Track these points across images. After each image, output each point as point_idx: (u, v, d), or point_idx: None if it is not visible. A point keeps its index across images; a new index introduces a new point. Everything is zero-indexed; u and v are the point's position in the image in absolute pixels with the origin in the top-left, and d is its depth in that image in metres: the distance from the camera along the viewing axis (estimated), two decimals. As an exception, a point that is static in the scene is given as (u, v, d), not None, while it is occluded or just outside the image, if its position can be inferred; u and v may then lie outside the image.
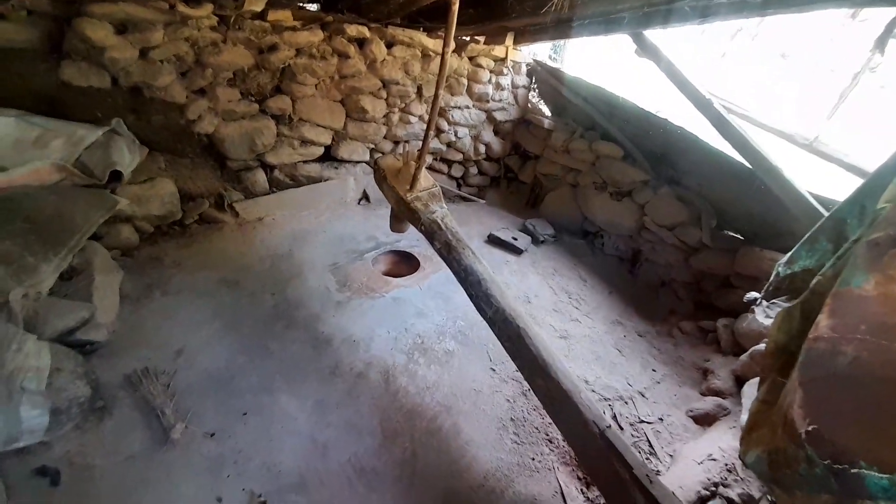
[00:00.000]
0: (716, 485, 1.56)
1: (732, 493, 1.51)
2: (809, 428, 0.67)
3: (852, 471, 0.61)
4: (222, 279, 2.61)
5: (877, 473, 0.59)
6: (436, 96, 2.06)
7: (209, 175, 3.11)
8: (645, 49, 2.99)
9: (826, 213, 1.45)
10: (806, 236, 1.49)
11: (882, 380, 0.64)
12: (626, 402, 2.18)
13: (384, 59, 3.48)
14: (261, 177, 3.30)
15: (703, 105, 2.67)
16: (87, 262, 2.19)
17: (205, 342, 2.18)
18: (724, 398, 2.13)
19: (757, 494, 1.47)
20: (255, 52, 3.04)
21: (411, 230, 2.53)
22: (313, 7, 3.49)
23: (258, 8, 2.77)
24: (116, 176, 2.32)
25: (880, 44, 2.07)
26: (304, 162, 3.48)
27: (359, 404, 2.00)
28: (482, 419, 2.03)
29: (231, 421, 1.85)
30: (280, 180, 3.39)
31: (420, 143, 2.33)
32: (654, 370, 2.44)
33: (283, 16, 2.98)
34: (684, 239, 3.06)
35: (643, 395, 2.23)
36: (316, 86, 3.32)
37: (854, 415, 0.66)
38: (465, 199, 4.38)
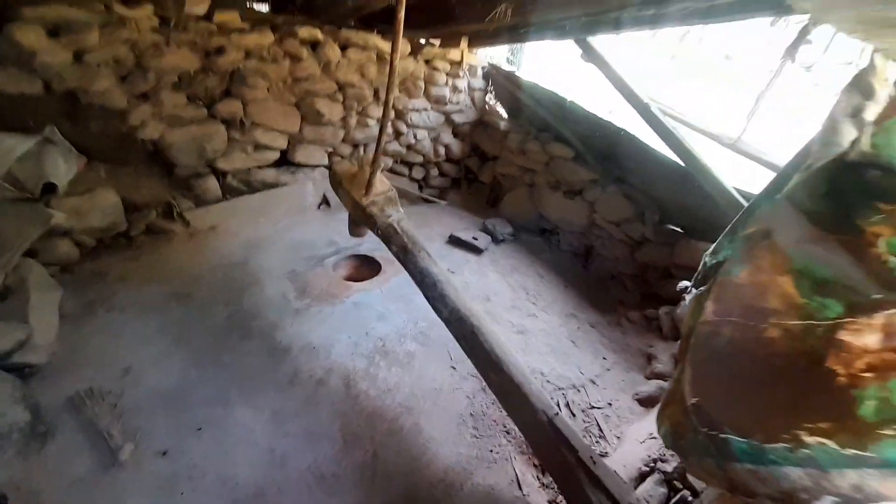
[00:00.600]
0: (655, 461, 1.70)
1: (669, 468, 1.65)
2: (693, 401, 0.78)
3: (721, 436, 0.71)
4: (172, 292, 2.52)
5: (738, 438, 0.69)
6: (387, 101, 2.08)
7: (155, 183, 2.99)
8: (589, 55, 3.15)
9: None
10: (727, 228, 1.65)
11: (747, 356, 0.75)
12: (578, 390, 2.31)
13: (339, 62, 3.46)
14: (212, 184, 3.20)
15: (642, 108, 2.85)
16: (21, 280, 2.07)
17: (153, 359, 2.11)
18: (665, 381, 2.30)
19: (689, 467, 1.62)
20: (202, 55, 2.95)
21: (372, 234, 2.55)
22: (263, 8, 3.43)
23: (201, 12, 2.70)
24: (51, 188, 2.19)
25: (791, 51, 2.30)
26: (259, 167, 3.41)
27: (318, 411, 2.01)
28: (442, 417, 2.09)
29: (184, 437, 1.81)
30: (234, 187, 3.30)
31: (381, 151, 2.36)
32: (604, 358, 2.59)
33: (230, 17, 2.91)
34: (630, 234, 3.26)
35: (594, 383, 2.37)
36: (268, 89, 3.25)
37: (725, 388, 0.77)
38: (426, 201, 4.43)
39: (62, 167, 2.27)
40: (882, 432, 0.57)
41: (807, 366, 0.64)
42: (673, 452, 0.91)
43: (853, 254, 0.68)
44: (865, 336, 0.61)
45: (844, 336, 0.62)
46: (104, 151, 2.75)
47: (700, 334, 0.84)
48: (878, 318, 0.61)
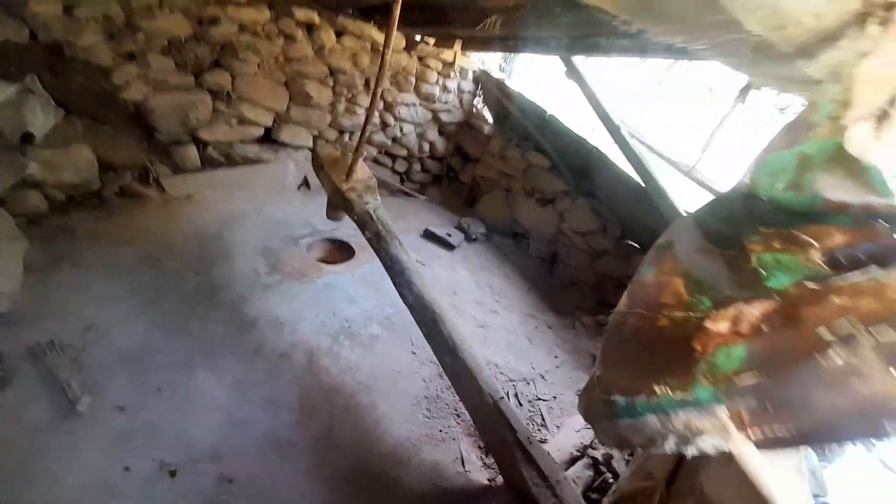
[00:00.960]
0: (585, 447, 1.88)
1: (598, 454, 1.83)
2: (598, 374, 0.95)
3: (610, 398, 0.88)
4: (142, 256, 2.53)
5: (620, 397, 0.86)
6: (374, 93, 2.18)
7: (134, 146, 2.97)
8: (572, 72, 3.34)
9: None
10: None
11: (641, 339, 0.92)
12: (528, 383, 2.48)
13: (333, 48, 3.52)
14: (192, 153, 3.20)
15: (613, 129, 3.07)
16: (-15, 227, 2.05)
17: (118, 318, 2.13)
18: (607, 381, 2.51)
19: (616, 454, 1.82)
20: (194, 23, 2.95)
21: (349, 219, 2.63)
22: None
23: (198, -20, 2.70)
24: (28, 137, 2.17)
25: (742, 95, 2.54)
26: (242, 142, 3.43)
27: (279, 383, 2.09)
28: (398, 397, 2.21)
29: (144, 396, 1.85)
30: (214, 158, 3.31)
31: (366, 139, 2.45)
32: (556, 357, 2.78)
33: (227, -11, 2.93)
34: (593, 245, 3.48)
35: (543, 378, 2.55)
36: (259, 65, 3.28)
37: (619, 363, 0.94)
38: (406, 194, 4.53)
39: (41, 118, 2.25)
40: (697, 378, 0.75)
41: (679, 345, 0.81)
42: (586, 421, 1.09)
43: (731, 264, 0.85)
44: (720, 323, 0.79)
45: (707, 323, 0.80)
46: (84, 108, 2.72)
47: (613, 323, 1.01)
48: (731, 310, 0.79)
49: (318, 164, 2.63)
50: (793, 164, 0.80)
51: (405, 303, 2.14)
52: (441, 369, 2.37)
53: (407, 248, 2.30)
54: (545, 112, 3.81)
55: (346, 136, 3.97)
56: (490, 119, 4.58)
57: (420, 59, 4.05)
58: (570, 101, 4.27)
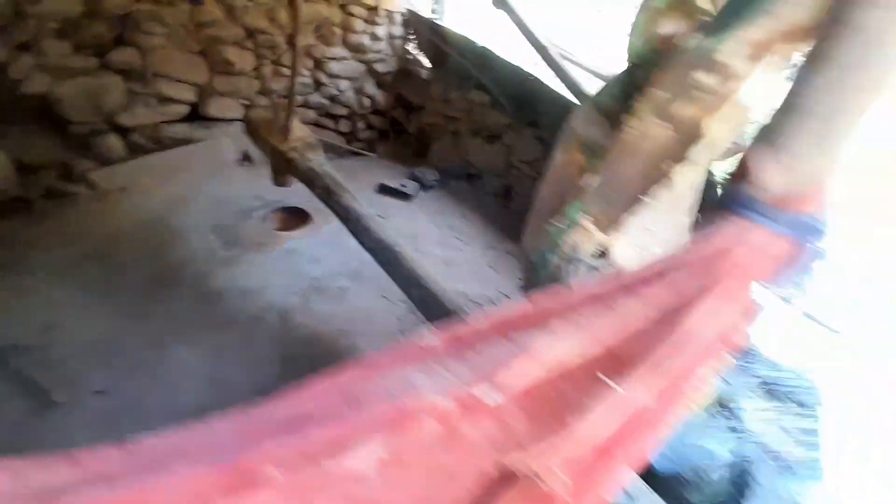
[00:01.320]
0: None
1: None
2: (523, 247, 1.08)
3: (530, 261, 1.01)
4: (87, 253, 2.45)
5: (534, 254, 1.00)
6: (295, 41, 2.12)
7: (49, 143, 2.78)
8: (500, 1, 3.29)
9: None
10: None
11: (551, 211, 1.05)
12: (495, 304, 2.66)
13: (244, 6, 3.31)
14: (115, 142, 3.02)
15: (546, 55, 3.09)
16: None
17: (77, 315, 2.11)
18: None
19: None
20: (83, -3, 2.70)
21: (300, 186, 2.60)
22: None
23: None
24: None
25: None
26: (168, 123, 3.25)
27: (256, 343, 2.15)
28: (376, 337, 2.33)
29: (122, 378, 1.88)
30: (141, 144, 3.14)
31: (295, 95, 2.38)
32: (519, 278, 2.95)
33: (110, -47, 2.67)
34: (541, 172, 3.59)
35: (508, 297, 2.74)
36: (167, 36, 3.06)
37: (534, 232, 1.07)
38: (355, 154, 4.46)
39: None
40: (570, 204, 0.89)
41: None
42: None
43: (618, 128, 0.97)
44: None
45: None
46: (-18, 108, 2.50)
47: (532, 207, 1.13)
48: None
49: (252, 128, 2.56)
50: (646, 19, 0.90)
51: (365, 248, 2.19)
52: (412, 306, 2.49)
53: (366, 205, 2.32)
54: (480, 46, 3.77)
55: (276, 98, 3.81)
56: (427, 63, 4.47)
57: (342, 6, 3.86)
58: (504, 36, 4.21)
